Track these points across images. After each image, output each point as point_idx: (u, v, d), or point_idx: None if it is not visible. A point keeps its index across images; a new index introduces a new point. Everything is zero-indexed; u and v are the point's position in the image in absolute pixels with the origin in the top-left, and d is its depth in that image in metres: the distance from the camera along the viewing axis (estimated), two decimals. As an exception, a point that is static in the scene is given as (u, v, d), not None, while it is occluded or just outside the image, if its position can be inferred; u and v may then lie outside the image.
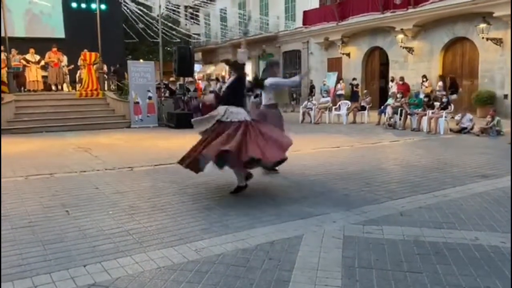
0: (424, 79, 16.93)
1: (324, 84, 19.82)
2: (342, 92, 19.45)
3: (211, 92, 14.91)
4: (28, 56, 15.77)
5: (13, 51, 15.46)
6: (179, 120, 13.49)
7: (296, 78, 6.36)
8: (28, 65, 15.70)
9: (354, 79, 19.44)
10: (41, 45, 16.37)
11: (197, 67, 30.61)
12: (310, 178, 6.13)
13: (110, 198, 5.15)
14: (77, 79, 17.45)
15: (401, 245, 3.57)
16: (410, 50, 18.01)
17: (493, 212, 4.47)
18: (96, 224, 4.18)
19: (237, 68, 5.51)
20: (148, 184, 5.91)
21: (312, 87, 21.08)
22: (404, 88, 15.78)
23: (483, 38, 15.06)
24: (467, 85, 16.56)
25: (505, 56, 14.81)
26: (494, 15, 14.40)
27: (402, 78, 17.07)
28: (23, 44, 16.24)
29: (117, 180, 6.14)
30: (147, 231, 3.96)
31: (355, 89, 18.71)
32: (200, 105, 15.24)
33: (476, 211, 4.51)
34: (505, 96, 14.90)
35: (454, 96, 14.06)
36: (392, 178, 6.15)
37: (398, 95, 13.47)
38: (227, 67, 28.83)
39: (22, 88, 15.92)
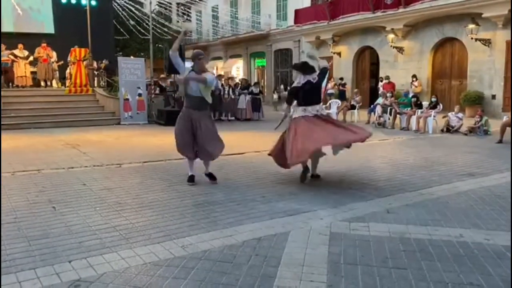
0: (414, 79, 17.07)
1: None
2: (333, 91, 19.52)
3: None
4: (16, 52, 15.57)
5: (2, 46, 15.27)
6: (169, 117, 13.38)
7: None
8: (17, 60, 15.51)
9: (341, 78, 19.55)
10: (30, 40, 16.20)
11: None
12: (299, 175, 6.13)
13: (97, 194, 5.13)
14: (66, 75, 17.27)
15: (387, 242, 3.60)
16: (400, 49, 18.11)
17: (478, 210, 4.52)
18: (82, 220, 4.15)
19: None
20: (137, 180, 5.88)
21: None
22: (390, 87, 15.90)
23: (472, 38, 15.20)
24: (456, 85, 16.72)
25: (493, 56, 14.99)
26: (482, 16, 14.54)
27: (387, 77, 17.20)
28: (12, 39, 16.05)
29: (105, 177, 6.10)
30: (134, 227, 3.95)
31: (341, 88, 18.84)
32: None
33: (462, 209, 4.56)
34: (493, 96, 15.07)
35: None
36: (379, 176, 6.20)
37: (388, 94, 13.55)
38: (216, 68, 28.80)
39: (10, 84, 15.74)
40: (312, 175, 5.95)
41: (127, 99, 14.19)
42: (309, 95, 5.62)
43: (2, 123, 12.28)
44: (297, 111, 5.69)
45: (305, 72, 5.71)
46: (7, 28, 17.61)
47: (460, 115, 11.66)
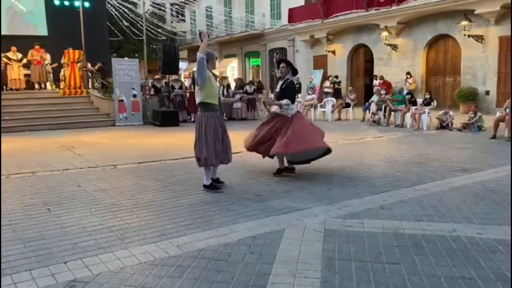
0: (408, 76, 17.13)
1: (311, 82, 19.92)
2: (329, 90, 19.55)
3: None
4: (9, 54, 15.52)
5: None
6: (164, 118, 13.44)
7: None
8: (10, 63, 15.46)
9: (336, 76, 19.62)
10: (24, 43, 16.14)
11: (183, 65, 30.47)
12: (294, 173, 6.16)
13: (92, 195, 5.13)
14: (60, 77, 17.22)
15: (381, 237, 3.63)
16: (394, 47, 18.18)
17: (471, 205, 4.56)
18: (77, 221, 4.16)
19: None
20: (131, 181, 5.89)
21: (299, 85, 21.14)
22: (385, 86, 15.94)
23: (465, 35, 15.28)
24: (450, 82, 16.80)
25: (487, 53, 15.07)
26: (475, 12, 14.60)
27: (381, 77, 17.22)
28: (5, 42, 15.97)
29: (100, 178, 6.10)
30: (129, 228, 3.95)
31: (336, 86, 18.88)
32: (186, 102, 15.21)
33: (455, 204, 4.60)
34: (487, 92, 15.15)
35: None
36: (374, 173, 6.23)
37: (382, 92, 13.59)
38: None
39: (4, 87, 15.67)
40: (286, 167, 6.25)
41: (122, 100, 14.16)
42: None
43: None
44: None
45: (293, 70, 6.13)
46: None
47: (450, 113, 11.68)
